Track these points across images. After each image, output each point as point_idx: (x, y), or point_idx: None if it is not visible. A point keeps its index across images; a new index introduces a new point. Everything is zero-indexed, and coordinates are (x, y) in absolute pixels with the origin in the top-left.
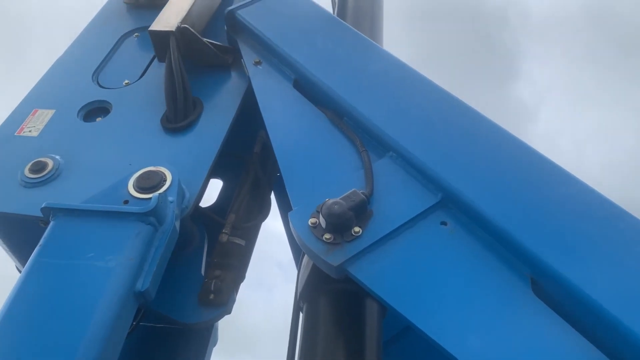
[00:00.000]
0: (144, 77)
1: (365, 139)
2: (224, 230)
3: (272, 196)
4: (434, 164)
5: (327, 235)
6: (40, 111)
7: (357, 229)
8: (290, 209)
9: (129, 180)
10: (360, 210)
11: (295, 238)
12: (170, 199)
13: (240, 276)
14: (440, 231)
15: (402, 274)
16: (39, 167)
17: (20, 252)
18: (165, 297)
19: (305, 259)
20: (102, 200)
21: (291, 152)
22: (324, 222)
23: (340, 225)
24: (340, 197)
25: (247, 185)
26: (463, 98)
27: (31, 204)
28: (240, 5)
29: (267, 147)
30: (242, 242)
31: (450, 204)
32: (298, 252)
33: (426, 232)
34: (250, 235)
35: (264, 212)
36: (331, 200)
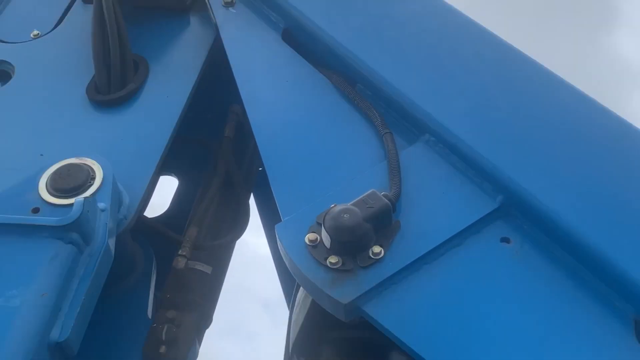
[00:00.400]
0: (60, 26)
1: (388, 116)
2: (180, 252)
3: (252, 201)
4: (492, 153)
5: (332, 259)
6: None
7: (377, 248)
8: (278, 219)
9: (39, 178)
10: (382, 222)
11: (286, 262)
12: (101, 205)
13: (204, 319)
14: (500, 251)
15: (445, 318)
16: None
17: None
18: (94, 351)
19: (301, 294)
20: (1, 208)
21: (279, 136)
22: (328, 238)
23: (352, 243)
24: (352, 201)
25: (214, 186)
26: (541, 56)
27: None
28: None
29: (243, 130)
30: (208, 270)
31: (515, 212)
32: (290, 283)
33: (480, 253)
34: (219, 258)
35: (239, 224)
36: (339, 207)
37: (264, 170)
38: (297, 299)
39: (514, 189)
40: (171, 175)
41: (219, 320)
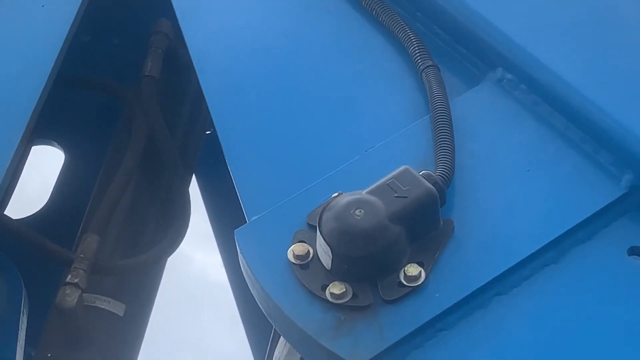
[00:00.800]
0: None
1: (432, 35)
2: (69, 279)
3: (194, 188)
4: (615, 104)
5: (336, 288)
6: None
7: (414, 269)
8: (239, 220)
9: None
10: (422, 222)
11: (254, 293)
12: None
13: None
14: (628, 271)
15: None
16: None
17: None
18: None
19: (281, 348)
20: None
21: (243, 77)
22: (329, 253)
23: (370, 261)
24: (369, 187)
25: (128, 163)
26: None
27: None
28: None
29: (177, 64)
30: (118, 309)
31: None
32: (261, 330)
33: (594, 276)
34: (138, 289)
35: (172, 229)
36: (346, 198)
37: (214, 134)
38: (274, 357)
39: None
40: (53, 146)
41: None
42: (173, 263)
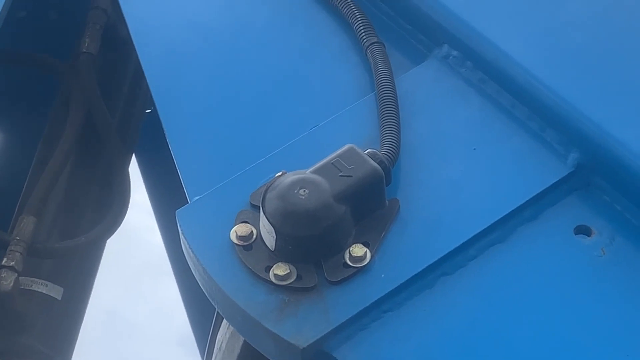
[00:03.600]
0: None
1: (377, 11)
2: (4, 262)
3: (134, 167)
4: (561, 80)
5: (280, 269)
6: None
7: (359, 249)
8: (180, 200)
9: None
10: (368, 202)
11: (196, 275)
12: None
13: None
14: (574, 250)
15: None
16: None
17: None
18: None
19: (224, 332)
20: None
21: (184, 51)
22: (272, 233)
23: (315, 241)
24: (313, 166)
25: (66, 141)
26: None
27: None
28: None
29: (116, 39)
30: (56, 292)
31: (600, 181)
32: (203, 313)
33: (540, 255)
34: (76, 272)
35: (112, 210)
36: (290, 177)
37: (155, 113)
38: (217, 340)
39: (599, 140)
40: None
41: None
42: (115, 243)
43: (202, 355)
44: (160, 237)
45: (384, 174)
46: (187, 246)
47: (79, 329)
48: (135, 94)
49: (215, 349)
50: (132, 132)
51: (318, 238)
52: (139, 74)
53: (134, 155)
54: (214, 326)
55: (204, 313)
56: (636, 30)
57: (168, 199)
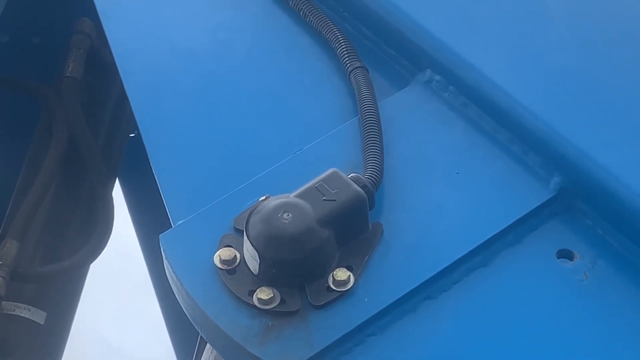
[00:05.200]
0: None
1: (360, 36)
2: None
3: (117, 191)
4: (543, 104)
5: (263, 293)
6: None
7: (342, 274)
8: (164, 224)
9: None
10: (351, 226)
11: (179, 299)
12: None
13: None
14: (556, 274)
15: None
16: None
17: None
18: None
19: (208, 356)
20: None
21: (167, 77)
22: (256, 257)
23: (298, 266)
24: (297, 190)
25: (49, 166)
26: None
27: None
28: None
29: (100, 64)
30: (39, 317)
31: (582, 205)
32: (186, 337)
33: (522, 280)
34: (59, 296)
35: (96, 234)
36: (274, 201)
37: (138, 137)
38: None
39: (581, 164)
40: None
41: None
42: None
43: None
44: (144, 260)
45: (367, 198)
46: (171, 270)
47: (62, 353)
48: (119, 118)
49: None
50: (116, 156)
51: (302, 262)
52: (123, 98)
53: (117, 179)
54: (197, 351)
55: (187, 337)
56: (618, 54)
57: (151, 223)
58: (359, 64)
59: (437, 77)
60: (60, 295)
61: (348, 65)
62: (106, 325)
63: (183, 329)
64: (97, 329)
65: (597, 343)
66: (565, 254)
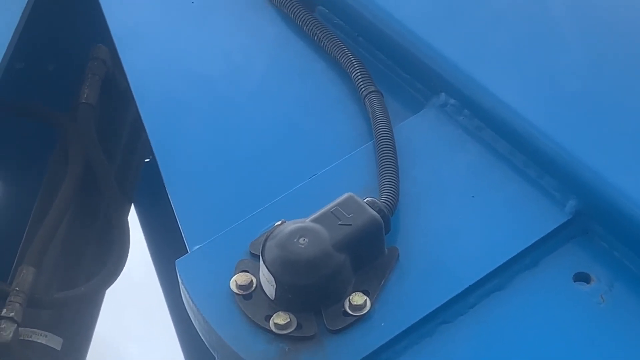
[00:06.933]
0: None
1: (375, 60)
2: (4, 313)
3: (133, 216)
4: (559, 127)
5: (280, 318)
6: None
7: (359, 298)
8: (180, 250)
9: None
10: (367, 251)
11: (195, 324)
12: None
13: None
14: (573, 298)
15: None
16: None
17: None
18: None
19: None
20: None
21: (183, 103)
22: (272, 282)
23: (314, 290)
24: (313, 215)
25: (65, 192)
26: None
27: None
28: None
29: (115, 90)
30: (56, 343)
31: (598, 228)
32: None
33: (539, 303)
34: (76, 322)
35: (111, 260)
36: (290, 226)
37: (154, 162)
38: None
39: (597, 187)
40: None
41: None
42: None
43: None
44: (159, 285)
45: (383, 223)
46: (187, 295)
47: None
48: (134, 144)
49: None
50: (131, 182)
51: (318, 287)
52: (138, 124)
53: (132, 205)
54: None
55: None
56: (633, 76)
57: (167, 249)
58: (373, 88)
59: (452, 101)
60: (76, 321)
61: (363, 89)
62: (123, 349)
63: (199, 354)
64: (114, 352)
65: None
66: (582, 277)
